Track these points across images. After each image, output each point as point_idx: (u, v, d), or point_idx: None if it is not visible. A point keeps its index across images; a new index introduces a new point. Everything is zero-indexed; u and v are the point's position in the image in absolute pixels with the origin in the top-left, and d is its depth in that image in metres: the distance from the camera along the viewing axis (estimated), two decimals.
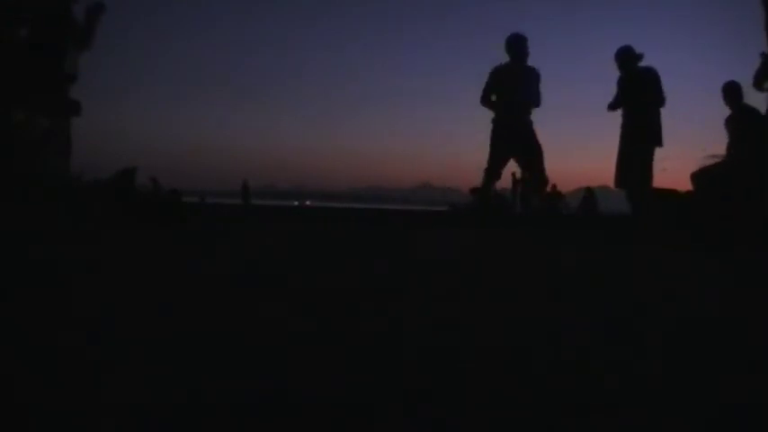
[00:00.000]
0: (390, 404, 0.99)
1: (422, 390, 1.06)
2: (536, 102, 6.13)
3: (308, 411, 0.95)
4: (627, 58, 6.12)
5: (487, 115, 6.18)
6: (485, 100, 6.14)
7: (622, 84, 6.15)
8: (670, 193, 6.32)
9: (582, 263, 3.61)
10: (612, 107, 6.19)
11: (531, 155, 6.10)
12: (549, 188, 7.58)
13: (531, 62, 6.19)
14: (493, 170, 6.13)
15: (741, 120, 6.04)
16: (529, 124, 6.11)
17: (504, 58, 6.15)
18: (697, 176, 6.02)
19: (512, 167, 7.76)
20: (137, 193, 6.08)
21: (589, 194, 16.47)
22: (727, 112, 6.21)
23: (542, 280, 2.66)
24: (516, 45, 6.15)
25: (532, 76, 6.16)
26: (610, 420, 0.95)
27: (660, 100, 6.06)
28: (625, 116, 6.15)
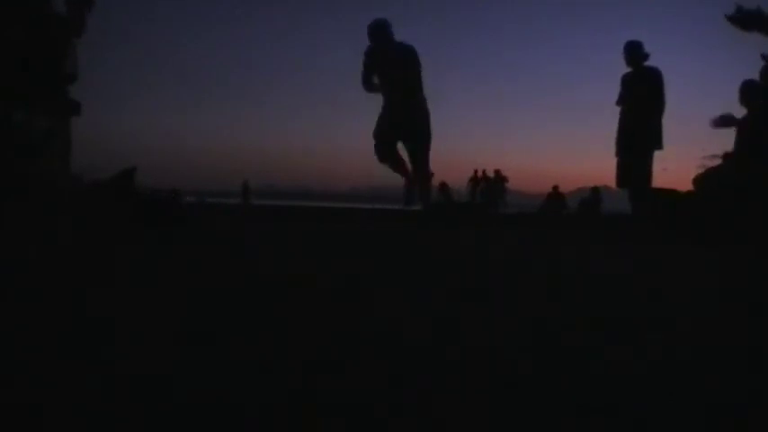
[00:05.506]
0: (390, 404, 0.99)
1: (422, 389, 1.06)
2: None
3: (307, 411, 0.95)
4: (635, 52, 6.06)
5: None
6: None
7: (625, 81, 6.13)
8: (670, 193, 6.32)
9: (582, 263, 3.61)
10: (620, 103, 6.18)
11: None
12: (550, 188, 7.64)
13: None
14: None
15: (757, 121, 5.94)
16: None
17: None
18: (700, 180, 5.99)
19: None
20: (136, 194, 6.07)
21: (594, 194, 16.37)
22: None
23: (542, 280, 2.66)
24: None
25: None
26: (610, 420, 0.95)
27: (661, 102, 6.02)
28: (625, 116, 6.12)
